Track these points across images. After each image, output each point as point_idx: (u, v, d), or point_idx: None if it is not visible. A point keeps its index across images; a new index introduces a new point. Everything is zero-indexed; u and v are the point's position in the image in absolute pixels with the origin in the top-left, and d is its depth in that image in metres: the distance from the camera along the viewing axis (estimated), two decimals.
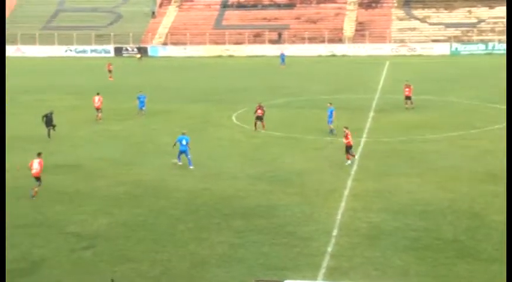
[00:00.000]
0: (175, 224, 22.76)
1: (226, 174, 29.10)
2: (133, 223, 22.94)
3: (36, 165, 26.46)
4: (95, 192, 26.76)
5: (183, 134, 31.00)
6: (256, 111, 38.43)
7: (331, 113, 37.24)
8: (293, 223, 22.59)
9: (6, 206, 24.93)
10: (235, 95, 52.53)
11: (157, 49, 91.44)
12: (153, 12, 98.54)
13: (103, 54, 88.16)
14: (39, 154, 27.00)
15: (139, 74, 69.88)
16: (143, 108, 44.06)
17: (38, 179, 26.40)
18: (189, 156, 30.39)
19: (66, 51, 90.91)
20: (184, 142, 30.40)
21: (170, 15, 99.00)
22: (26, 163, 27.61)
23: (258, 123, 38.14)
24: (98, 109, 42.32)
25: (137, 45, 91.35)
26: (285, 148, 34.19)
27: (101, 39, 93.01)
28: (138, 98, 44.40)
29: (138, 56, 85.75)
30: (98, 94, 43.00)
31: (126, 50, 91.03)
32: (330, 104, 38.16)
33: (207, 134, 38.10)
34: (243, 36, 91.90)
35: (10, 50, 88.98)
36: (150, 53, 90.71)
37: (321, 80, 62.72)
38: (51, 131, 37.10)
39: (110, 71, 65.79)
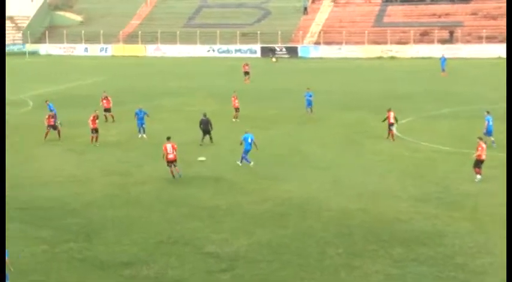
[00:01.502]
0: (324, 247, 22.72)
1: (385, 194, 28.71)
2: (277, 245, 23.15)
3: (170, 149, 31.24)
4: (235, 209, 27.33)
5: (247, 132, 34.00)
6: (387, 118, 39.11)
7: (489, 122, 37.03)
8: (463, 254, 21.88)
9: (142, 220, 26.08)
10: (396, 102, 51.70)
11: (309, 49, 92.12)
12: (305, 8, 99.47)
13: (248, 55, 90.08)
14: (168, 138, 31.89)
15: (285, 76, 70.75)
16: (310, 106, 48.04)
17: (174, 162, 31.32)
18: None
19: (208, 51, 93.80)
20: (249, 140, 33.40)
21: (324, 11, 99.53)
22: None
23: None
24: (237, 109, 45.81)
25: (286, 45, 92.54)
26: (454, 165, 33.22)
27: (247, 38, 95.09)
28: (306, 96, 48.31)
29: (274, 59, 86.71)
30: (234, 92, 46.71)
31: (274, 50, 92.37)
32: (488, 112, 37.38)
33: (362, 146, 37.82)
34: (407, 34, 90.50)
35: (150, 49, 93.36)
36: (300, 53, 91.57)
37: (499, 85, 60.37)
38: (208, 136, 38.71)
39: (246, 73, 67.00)
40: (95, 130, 38.93)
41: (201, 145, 38.33)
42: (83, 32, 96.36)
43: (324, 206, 27.31)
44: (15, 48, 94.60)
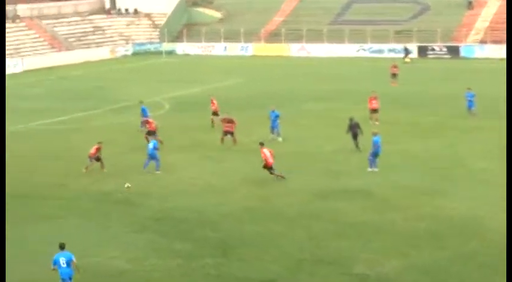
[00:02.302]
0: (488, 273, 22.11)
1: None
2: (434, 269, 22.77)
3: (268, 154, 33.28)
4: (387, 227, 27.07)
5: (375, 134, 35.21)
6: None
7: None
8: None
9: (284, 236, 26.30)
10: None
11: (473, 49, 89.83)
12: (470, 2, 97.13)
13: (403, 55, 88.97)
14: (262, 144, 34.18)
15: (444, 78, 69.29)
16: (472, 108, 47.77)
17: (271, 168, 33.32)
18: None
19: (358, 50, 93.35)
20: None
21: (492, 5, 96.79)
22: (317, 186, 28.80)
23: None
24: (374, 110, 46.16)
25: (446, 44, 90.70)
26: None
27: (401, 36, 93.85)
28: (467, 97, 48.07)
29: (407, 59, 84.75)
30: (374, 94, 46.88)
31: (433, 49, 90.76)
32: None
33: None
34: None
35: (294, 49, 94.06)
36: (462, 53, 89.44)
37: None
38: (358, 140, 38.82)
39: (394, 75, 66.00)
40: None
41: (357, 151, 38.39)
42: (222, 29, 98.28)
43: (490, 225, 26.56)
44: (152, 48, 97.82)
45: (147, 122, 42.06)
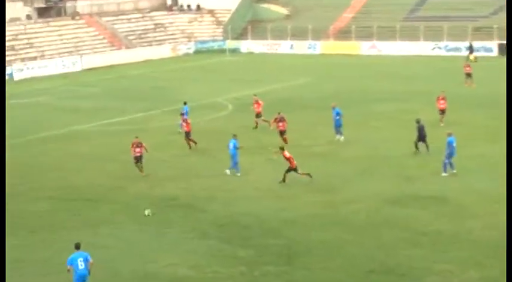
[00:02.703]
0: None
1: None
2: None
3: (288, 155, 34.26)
4: (463, 235, 26.83)
5: (450, 134, 34.95)
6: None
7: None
8: None
9: (351, 244, 26.19)
10: None
11: None
12: None
13: (482, 53, 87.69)
14: (282, 148, 35.02)
15: None
16: None
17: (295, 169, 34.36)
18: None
19: (433, 48, 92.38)
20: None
21: None
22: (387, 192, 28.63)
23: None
24: (442, 111, 46.18)
25: None
26: None
27: (480, 33, 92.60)
28: None
29: (472, 58, 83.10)
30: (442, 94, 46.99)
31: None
32: None
33: None
34: None
35: (364, 47, 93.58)
36: None
37: None
38: (422, 142, 38.64)
39: (468, 75, 64.95)
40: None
41: (416, 153, 38.21)
42: (288, 26, 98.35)
43: None
44: (215, 45, 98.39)
45: (185, 121, 42.57)
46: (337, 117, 42.40)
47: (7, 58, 78.56)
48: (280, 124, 42.21)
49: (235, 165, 36.48)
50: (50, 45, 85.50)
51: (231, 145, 36.53)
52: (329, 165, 37.89)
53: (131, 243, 27.39)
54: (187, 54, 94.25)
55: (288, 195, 32.88)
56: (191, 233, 28.35)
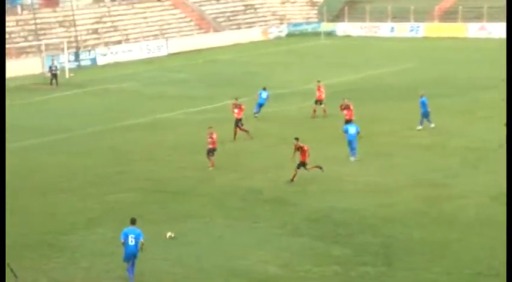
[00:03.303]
0: None
1: None
2: None
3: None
4: None
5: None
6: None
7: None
8: None
9: (457, 244, 25.87)
10: None
11: None
12: None
13: None
14: (296, 139, 34.61)
15: None
16: None
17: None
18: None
19: None
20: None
21: None
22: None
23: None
24: None
25: None
26: None
27: None
28: None
29: None
30: None
31: None
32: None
33: None
34: None
35: (472, 29, 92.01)
36: None
37: None
38: None
39: None
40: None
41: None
42: (389, 7, 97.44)
43: None
44: (309, 28, 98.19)
45: (238, 106, 42.62)
46: (422, 106, 42.20)
47: (91, 42, 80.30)
48: (345, 112, 41.76)
49: (353, 150, 36.84)
50: (134, 28, 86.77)
51: (353, 130, 37.04)
52: (432, 157, 37.50)
53: (218, 238, 27.62)
54: (278, 38, 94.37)
55: (386, 189, 32.65)
56: (281, 228, 28.43)
